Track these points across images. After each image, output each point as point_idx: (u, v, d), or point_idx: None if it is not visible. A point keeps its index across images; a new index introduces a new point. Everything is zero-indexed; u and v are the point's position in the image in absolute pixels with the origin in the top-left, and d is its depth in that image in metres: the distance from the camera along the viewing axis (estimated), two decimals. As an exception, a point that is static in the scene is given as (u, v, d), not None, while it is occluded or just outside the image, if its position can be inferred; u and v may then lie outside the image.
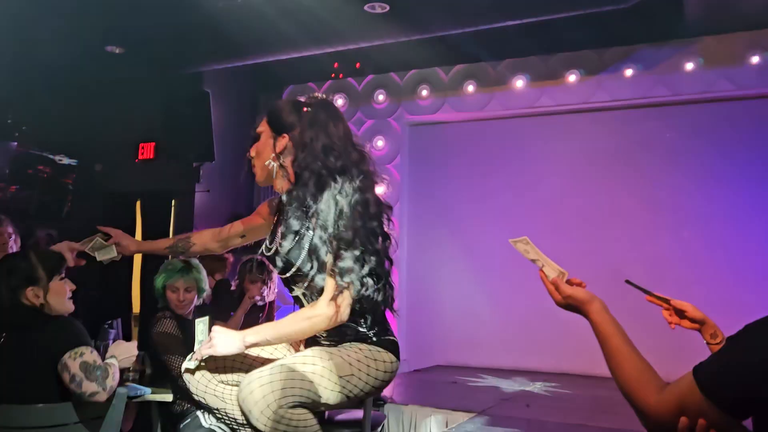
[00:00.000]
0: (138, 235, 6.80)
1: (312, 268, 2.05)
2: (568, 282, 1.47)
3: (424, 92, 7.04)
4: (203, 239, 2.63)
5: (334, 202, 2.03)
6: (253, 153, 2.22)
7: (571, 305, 1.43)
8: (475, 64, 6.79)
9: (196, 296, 3.53)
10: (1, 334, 2.40)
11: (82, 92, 6.42)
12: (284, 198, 2.17)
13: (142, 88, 6.57)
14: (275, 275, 3.81)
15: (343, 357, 2.03)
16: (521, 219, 6.60)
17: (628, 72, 6.17)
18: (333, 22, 5.32)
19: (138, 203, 6.98)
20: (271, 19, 5.16)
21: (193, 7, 5.02)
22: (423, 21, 5.44)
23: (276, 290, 4.54)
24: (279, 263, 2.14)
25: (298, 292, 2.17)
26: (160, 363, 3.30)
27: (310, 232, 2.06)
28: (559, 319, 6.76)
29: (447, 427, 4.26)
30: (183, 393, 2.87)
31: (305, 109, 2.14)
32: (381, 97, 7.24)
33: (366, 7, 5.06)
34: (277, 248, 2.16)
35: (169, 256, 3.13)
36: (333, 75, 7.32)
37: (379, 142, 7.19)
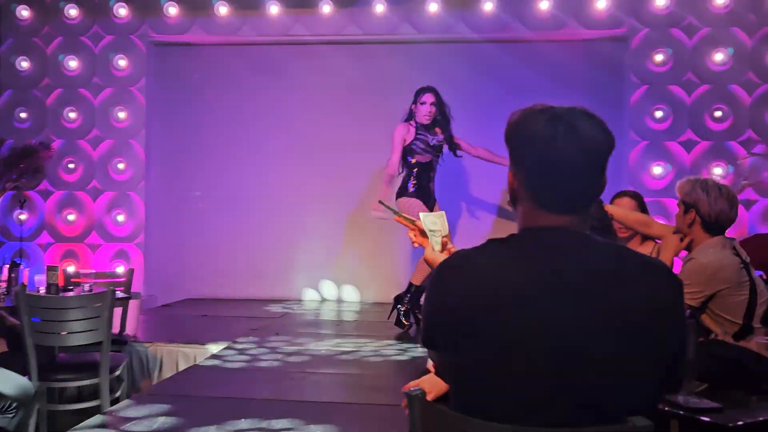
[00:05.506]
0: None
1: None
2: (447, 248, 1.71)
3: (172, 10, 6.52)
4: None
5: None
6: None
7: (429, 265, 1.71)
8: (228, -16, 6.43)
9: None
10: None
11: None
12: None
13: None
14: None
15: None
16: (273, 149, 6.58)
17: (379, 8, 6.31)
18: None
19: None
20: None
21: None
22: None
23: None
24: None
25: None
26: None
27: None
28: (305, 249, 6.92)
29: (196, 361, 4.19)
30: None
31: None
32: (122, 11, 6.56)
33: None
34: None
35: None
36: (65, -19, 6.46)
37: (121, 62, 6.57)
